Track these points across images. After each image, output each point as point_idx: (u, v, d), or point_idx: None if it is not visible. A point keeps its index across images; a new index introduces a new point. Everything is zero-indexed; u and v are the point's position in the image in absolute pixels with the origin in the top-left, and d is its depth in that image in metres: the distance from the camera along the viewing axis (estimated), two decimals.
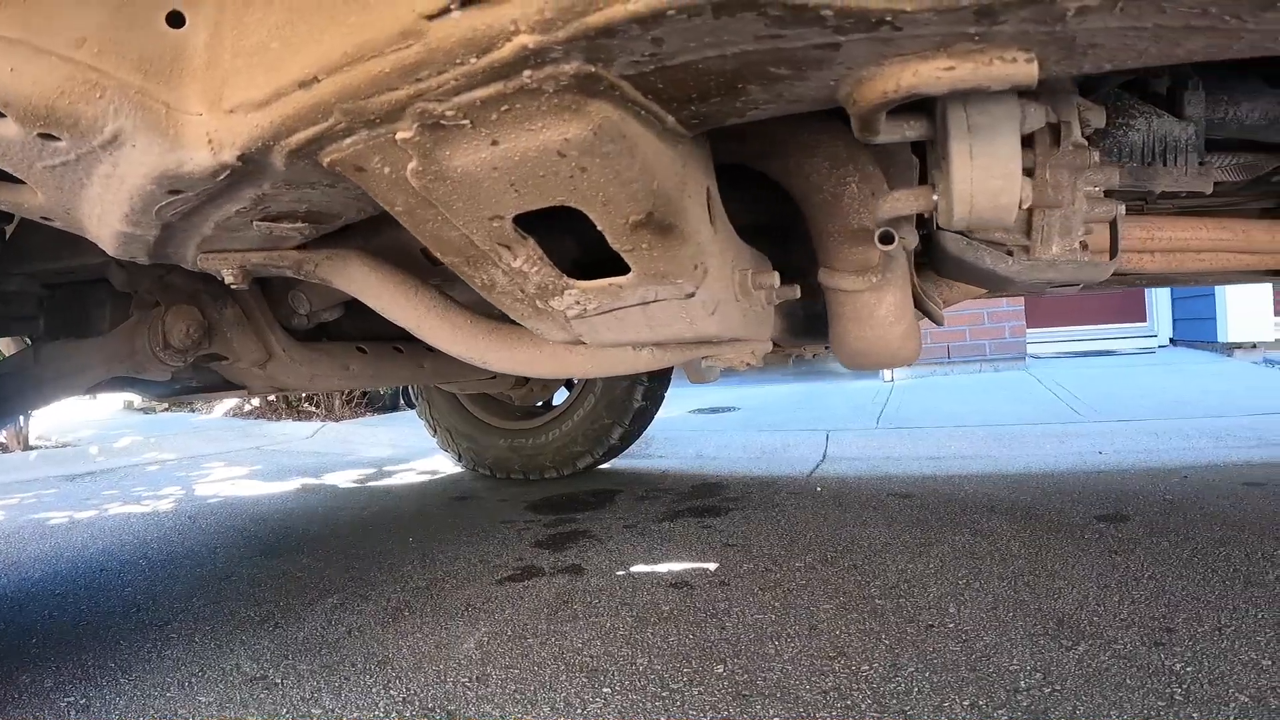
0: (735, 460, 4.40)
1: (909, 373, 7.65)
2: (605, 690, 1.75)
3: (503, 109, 0.76)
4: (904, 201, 1.11)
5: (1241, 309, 7.94)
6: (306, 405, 7.69)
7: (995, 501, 3.14)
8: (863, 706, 1.59)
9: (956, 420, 5.06)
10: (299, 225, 1.27)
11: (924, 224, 1.54)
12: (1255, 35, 0.68)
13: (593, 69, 0.72)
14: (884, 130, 0.89)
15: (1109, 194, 1.60)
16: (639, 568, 2.52)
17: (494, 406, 4.11)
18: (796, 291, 1.56)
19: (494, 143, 0.80)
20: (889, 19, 0.67)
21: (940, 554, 2.47)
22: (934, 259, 1.62)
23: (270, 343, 2.28)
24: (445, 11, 0.69)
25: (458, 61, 0.72)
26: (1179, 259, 2.25)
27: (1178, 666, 1.69)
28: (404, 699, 1.76)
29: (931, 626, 1.94)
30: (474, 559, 2.73)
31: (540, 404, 4.12)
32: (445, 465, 4.64)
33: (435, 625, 2.17)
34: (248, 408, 8.38)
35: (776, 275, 1.39)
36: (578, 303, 1.11)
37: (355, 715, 1.71)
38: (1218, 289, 7.91)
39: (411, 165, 0.85)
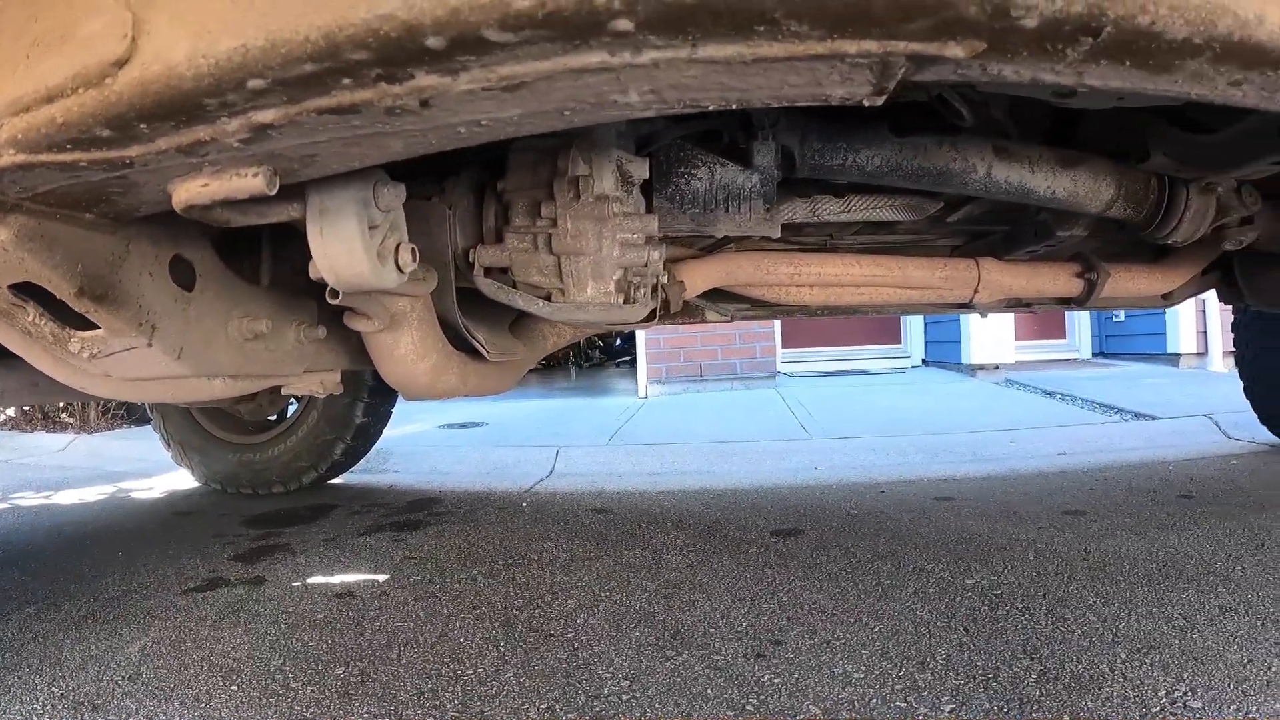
0: (465, 476, 4.47)
1: (663, 390, 7.90)
2: (233, 688, 1.84)
3: None
4: (316, 269, 1.29)
5: (984, 333, 8.51)
6: (63, 416, 7.37)
7: (685, 516, 3.28)
8: (449, 706, 1.70)
9: (689, 437, 5.22)
10: None
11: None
12: (436, 132, 0.87)
13: None
14: (252, 217, 1.10)
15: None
16: (316, 579, 2.59)
17: (225, 421, 4.07)
18: (321, 332, 1.73)
19: None
20: (128, 163, 0.85)
21: (601, 567, 2.60)
22: None
23: None
24: None
25: None
26: (838, 293, 2.43)
27: (766, 678, 1.79)
28: (61, 695, 1.85)
29: (552, 636, 2.05)
30: (170, 571, 2.75)
31: (274, 418, 4.10)
32: (186, 480, 4.55)
33: (111, 632, 2.22)
34: (1, 418, 7.96)
35: (266, 322, 1.57)
36: (84, 348, 1.25)
37: (16, 709, 1.79)
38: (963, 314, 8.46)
39: None
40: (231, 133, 0.80)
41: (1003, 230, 2.64)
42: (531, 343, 2.28)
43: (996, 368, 8.74)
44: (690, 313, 2.60)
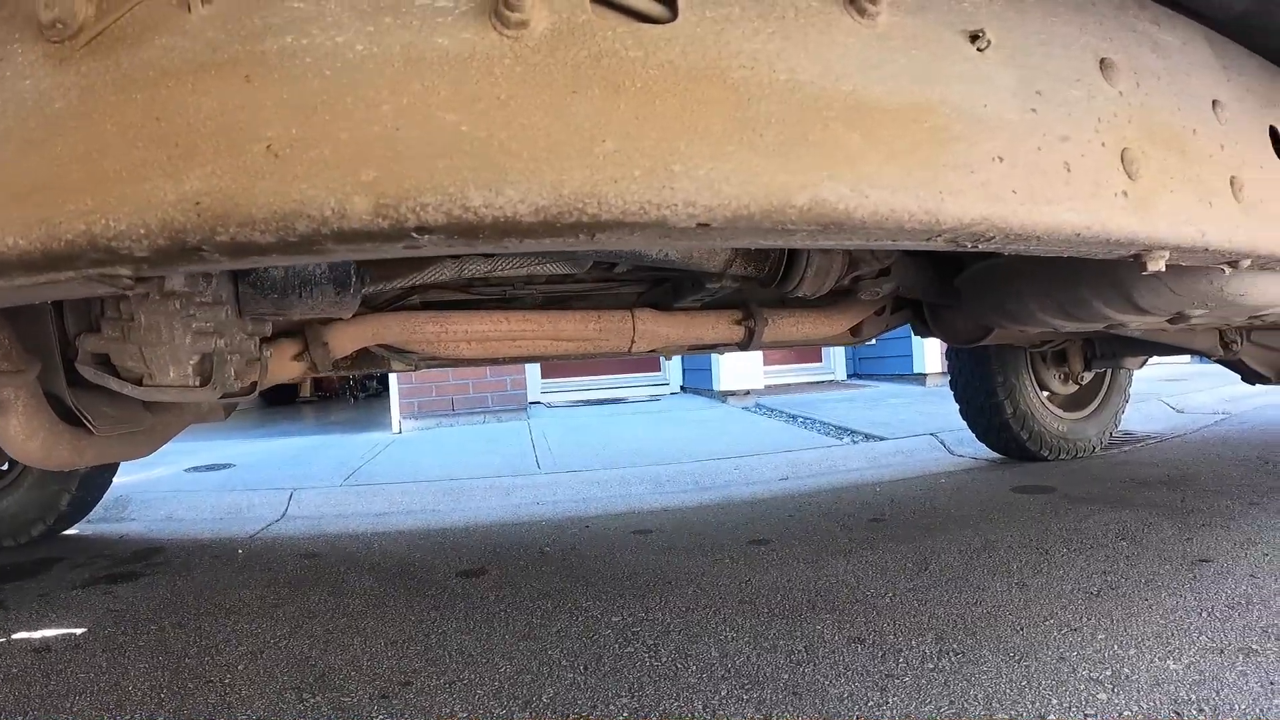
0: (197, 522, 4.47)
1: (416, 424, 8.05)
2: None
3: None
4: None
5: (734, 360, 9.00)
6: None
7: (386, 559, 3.45)
8: None
9: (428, 474, 5.30)
10: None
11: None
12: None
13: None
14: None
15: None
16: (20, 634, 2.70)
17: None
18: None
19: None
20: None
21: (283, 614, 2.76)
22: None
23: None
24: None
25: None
26: (495, 346, 2.65)
27: (379, 718, 1.97)
28: None
29: (210, 682, 2.24)
30: None
31: (6, 467, 4.00)
32: None
33: None
34: None
35: None
36: None
37: None
38: None
39: None
40: None
41: (672, 280, 2.86)
42: (179, 410, 2.53)
43: (748, 393, 9.22)
44: (377, 363, 2.80)
